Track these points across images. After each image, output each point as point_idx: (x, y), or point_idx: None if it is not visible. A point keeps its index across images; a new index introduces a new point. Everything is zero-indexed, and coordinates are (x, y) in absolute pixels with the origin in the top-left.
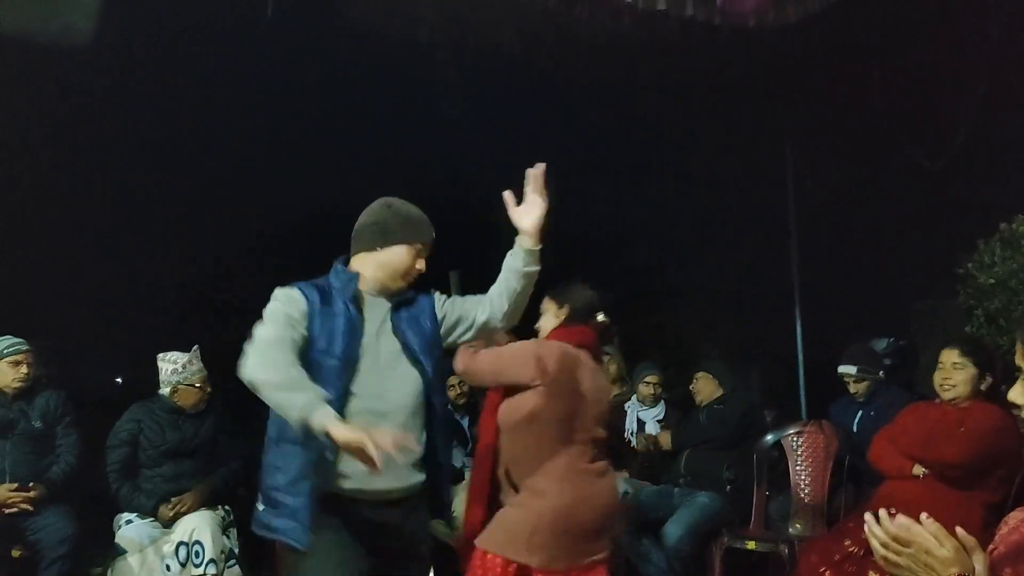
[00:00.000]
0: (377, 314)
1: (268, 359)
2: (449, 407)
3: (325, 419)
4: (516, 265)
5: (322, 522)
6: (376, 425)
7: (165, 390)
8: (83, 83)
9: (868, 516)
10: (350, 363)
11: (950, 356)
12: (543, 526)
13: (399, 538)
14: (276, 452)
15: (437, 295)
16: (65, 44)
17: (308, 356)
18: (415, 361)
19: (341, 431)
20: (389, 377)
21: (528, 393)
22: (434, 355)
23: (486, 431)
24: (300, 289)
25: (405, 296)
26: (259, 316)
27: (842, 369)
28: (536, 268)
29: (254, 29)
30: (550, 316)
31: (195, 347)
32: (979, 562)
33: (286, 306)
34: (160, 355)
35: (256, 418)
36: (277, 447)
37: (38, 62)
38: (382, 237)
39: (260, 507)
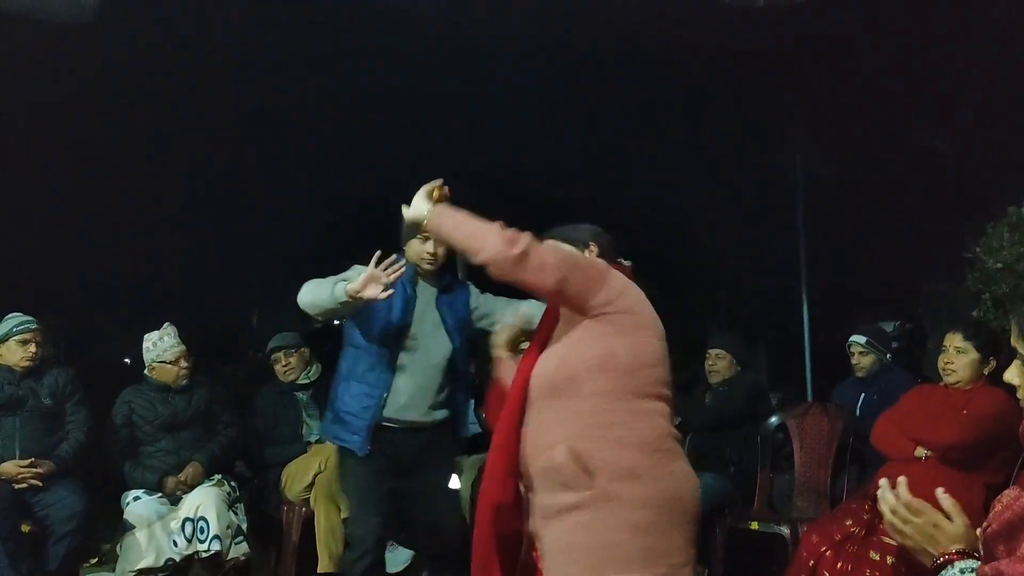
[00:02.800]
0: (427, 294)
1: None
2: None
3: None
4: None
5: (373, 439)
6: (412, 372)
7: (147, 369)
8: (94, 58)
9: (883, 481)
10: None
11: (953, 340)
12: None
13: (424, 455)
14: (346, 386)
15: (475, 291)
16: (71, 20)
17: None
18: (447, 332)
19: (355, 284)
20: (429, 340)
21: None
22: (462, 332)
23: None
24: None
25: (448, 283)
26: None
27: (852, 338)
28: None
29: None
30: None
31: (166, 324)
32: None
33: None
34: (145, 335)
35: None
36: (347, 382)
37: (47, 37)
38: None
39: (329, 418)
